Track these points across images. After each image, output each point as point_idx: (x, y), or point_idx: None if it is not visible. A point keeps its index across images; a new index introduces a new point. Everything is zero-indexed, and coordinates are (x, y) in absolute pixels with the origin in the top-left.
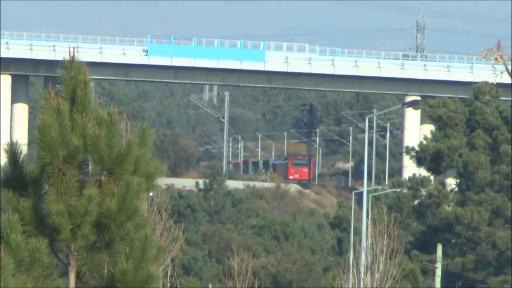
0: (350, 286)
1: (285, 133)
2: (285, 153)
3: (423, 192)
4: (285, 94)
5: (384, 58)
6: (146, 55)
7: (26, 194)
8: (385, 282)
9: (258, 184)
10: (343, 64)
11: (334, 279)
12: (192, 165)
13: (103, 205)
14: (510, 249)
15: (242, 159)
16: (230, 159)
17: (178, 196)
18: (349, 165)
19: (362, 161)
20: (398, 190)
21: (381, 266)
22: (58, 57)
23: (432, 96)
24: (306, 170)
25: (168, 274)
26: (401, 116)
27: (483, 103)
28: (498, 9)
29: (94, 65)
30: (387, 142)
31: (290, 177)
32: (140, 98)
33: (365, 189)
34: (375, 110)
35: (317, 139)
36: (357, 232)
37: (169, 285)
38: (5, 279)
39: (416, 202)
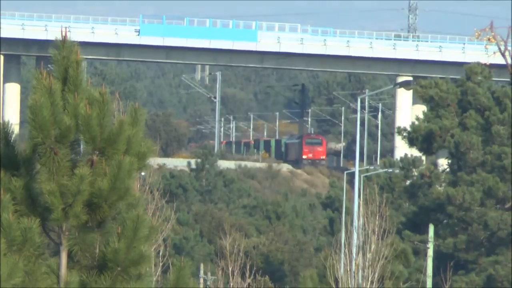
0: (342, 266)
1: (277, 113)
2: (276, 134)
3: (415, 172)
4: (277, 74)
5: (376, 39)
6: (138, 35)
7: (18, 173)
8: (376, 262)
9: (249, 164)
10: (335, 44)
11: (326, 259)
12: (184, 145)
13: (95, 185)
14: (502, 229)
15: (233, 139)
16: (242, 139)
17: (170, 176)
18: (341, 145)
19: (354, 141)
20: (390, 170)
21: (373, 246)
22: (50, 36)
23: (424, 77)
24: (320, 149)
25: (160, 253)
26: (393, 96)
27: (475, 84)
28: None
29: (86, 45)
30: (379, 123)
31: (304, 157)
32: (132, 78)
33: (357, 169)
34: (367, 91)
35: (309, 119)
36: (349, 212)
37: (161, 264)
38: None
39: (408, 182)
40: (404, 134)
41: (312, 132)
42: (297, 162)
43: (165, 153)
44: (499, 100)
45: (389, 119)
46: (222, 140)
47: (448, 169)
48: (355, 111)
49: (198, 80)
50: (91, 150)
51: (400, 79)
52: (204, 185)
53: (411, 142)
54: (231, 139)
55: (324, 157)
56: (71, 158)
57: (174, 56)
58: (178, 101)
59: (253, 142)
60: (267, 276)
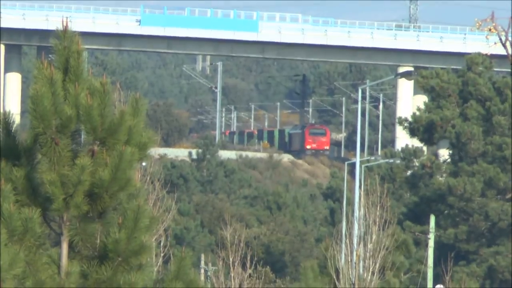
0: (343, 256)
1: (278, 103)
2: (278, 124)
3: (416, 163)
4: (278, 64)
5: (377, 29)
6: (139, 24)
7: (19, 163)
8: (377, 253)
9: (250, 154)
10: (336, 35)
11: (326, 249)
12: (185, 135)
13: (95, 175)
14: (503, 220)
15: (234, 129)
16: (245, 129)
17: (171, 166)
18: (342, 136)
19: (355, 131)
20: (391, 160)
21: (373, 237)
22: (51, 26)
23: (425, 67)
24: (323, 139)
25: (161, 244)
26: (394, 86)
27: (476, 74)
28: None
29: (87, 35)
30: (380, 113)
31: (307, 147)
32: (133, 68)
33: (358, 160)
34: (368, 81)
35: (310, 110)
36: (350, 203)
37: (162, 255)
38: None
39: (409, 173)
40: (405, 124)
41: (313, 122)
42: (300, 153)
43: (166, 143)
44: (500, 90)
45: (390, 109)
46: (224, 130)
47: (449, 160)
48: (356, 102)
49: (199, 70)
50: (92, 140)
51: (401, 70)
52: (205, 175)
53: (412, 132)
54: (232, 129)
55: (327, 147)
56: (72, 148)
57: (175, 46)
58: (179, 91)
59: (256, 132)
60: (268, 266)
